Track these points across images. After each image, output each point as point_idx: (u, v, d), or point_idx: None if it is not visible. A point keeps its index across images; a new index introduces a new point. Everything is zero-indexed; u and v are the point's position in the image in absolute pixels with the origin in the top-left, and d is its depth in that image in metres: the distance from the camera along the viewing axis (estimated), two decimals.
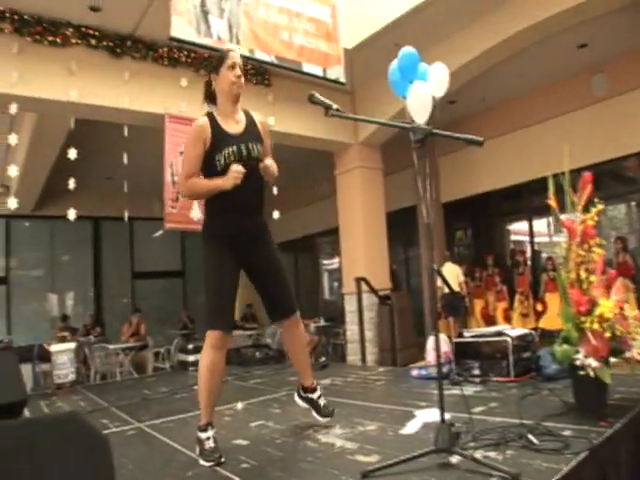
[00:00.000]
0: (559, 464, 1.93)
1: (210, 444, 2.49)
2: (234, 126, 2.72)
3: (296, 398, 3.06)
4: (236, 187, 2.55)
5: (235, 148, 2.63)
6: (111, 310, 12.59)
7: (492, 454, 2.13)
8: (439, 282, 6.16)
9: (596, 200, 2.74)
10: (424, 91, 3.85)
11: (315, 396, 2.97)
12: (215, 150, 2.62)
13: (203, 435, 2.52)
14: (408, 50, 3.90)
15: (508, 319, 8.70)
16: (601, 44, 7.45)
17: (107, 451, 1.19)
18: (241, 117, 2.79)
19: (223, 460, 2.42)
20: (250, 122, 2.80)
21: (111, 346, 7.94)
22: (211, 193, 2.60)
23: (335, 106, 2.43)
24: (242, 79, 2.73)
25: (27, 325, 11.38)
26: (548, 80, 8.64)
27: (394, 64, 4.02)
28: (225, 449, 2.53)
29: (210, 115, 2.71)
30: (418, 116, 3.79)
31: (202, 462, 2.45)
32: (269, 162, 2.70)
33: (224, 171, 2.58)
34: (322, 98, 2.45)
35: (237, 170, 2.54)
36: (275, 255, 2.84)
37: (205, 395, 2.59)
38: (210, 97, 2.81)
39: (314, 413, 2.95)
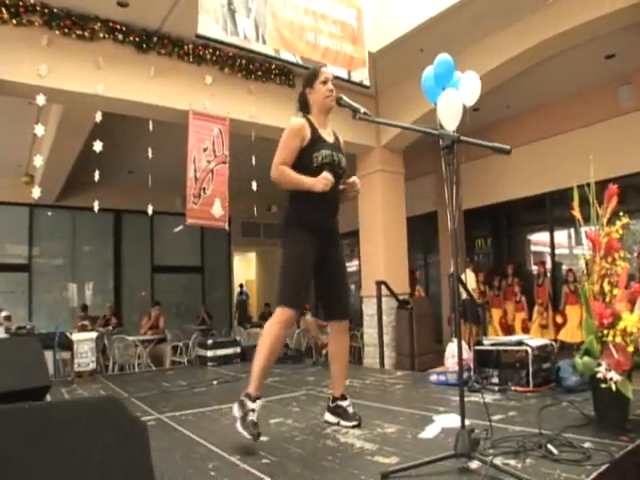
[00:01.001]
0: (579, 475, 1.94)
1: (253, 418, 2.54)
2: (327, 136, 2.99)
3: (326, 415, 3.09)
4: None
5: (330, 152, 2.87)
6: (130, 302, 12.77)
7: (512, 462, 2.15)
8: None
9: (621, 213, 2.74)
10: (455, 99, 3.87)
11: (345, 404, 3.02)
12: (312, 148, 2.85)
13: (251, 405, 2.57)
14: (444, 58, 3.93)
15: (526, 330, 8.67)
16: (629, 55, 7.41)
17: (144, 436, 1.24)
18: (330, 131, 3.07)
19: (260, 438, 2.50)
20: (337, 138, 3.10)
21: (130, 338, 8.05)
22: (297, 187, 2.78)
23: (363, 110, 2.51)
24: (334, 92, 2.94)
25: (47, 313, 11.58)
26: (574, 90, 8.60)
27: (429, 71, 4.04)
28: (245, 444, 2.56)
29: (308, 119, 2.95)
30: (448, 123, 3.82)
31: (239, 428, 2.51)
32: (357, 179, 2.99)
33: (317, 169, 2.79)
34: (350, 101, 2.55)
35: (328, 178, 2.72)
36: (343, 259, 3.09)
37: (262, 365, 2.67)
38: (303, 107, 3.05)
39: (342, 422, 2.98)
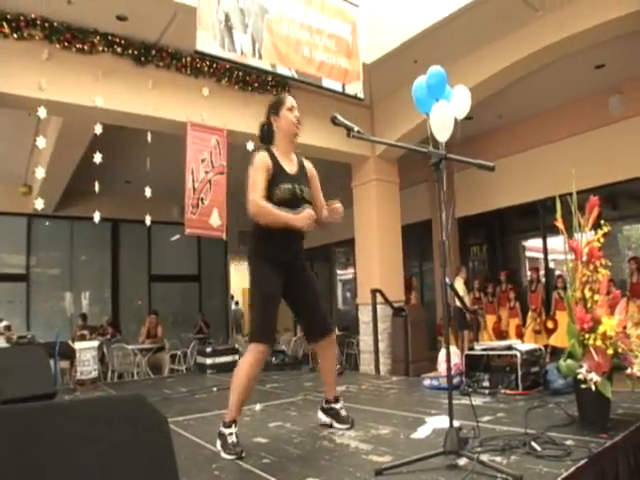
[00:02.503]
0: (559, 469, 2.08)
1: (233, 439, 2.67)
2: (290, 166, 2.97)
3: (319, 414, 3.24)
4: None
5: (291, 186, 2.87)
6: (128, 311, 12.86)
7: (497, 458, 2.28)
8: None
9: (602, 222, 2.86)
10: (447, 111, 3.99)
11: (337, 406, 3.16)
12: (273, 183, 2.85)
13: (227, 430, 2.71)
14: (436, 69, 4.04)
15: (521, 335, 8.78)
16: (619, 65, 7.56)
17: (167, 431, 1.37)
18: (294, 158, 3.06)
19: (244, 455, 2.60)
20: (301, 166, 3.07)
21: (129, 346, 8.15)
22: (278, 224, 2.78)
23: (357, 128, 2.62)
24: (300, 120, 3.00)
25: (45, 322, 11.62)
26: (565, 99, 8.76)
27: (422, 81, 4.14)
28: (246, 445, 2.70)
29: (269, 150, 2.95)
30: (440, 135, 3.94)
31: (224, 455, 2.63)
32: (340, 206, 2.98)
33: (279, 204, 2.79)
34: (344, 120, 2.63)
35: (310, 214, 2.76)
36: (313, 279, 3.11)
37: (238, 397, 2.78)
38: (266, 138, 3.05)
39: (335, 423, 3.12)
